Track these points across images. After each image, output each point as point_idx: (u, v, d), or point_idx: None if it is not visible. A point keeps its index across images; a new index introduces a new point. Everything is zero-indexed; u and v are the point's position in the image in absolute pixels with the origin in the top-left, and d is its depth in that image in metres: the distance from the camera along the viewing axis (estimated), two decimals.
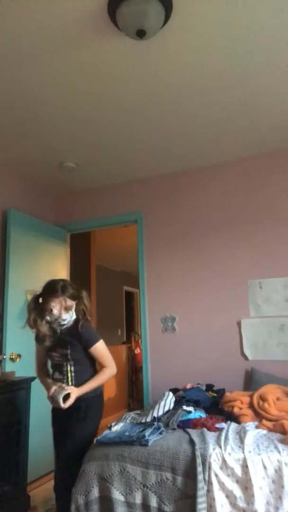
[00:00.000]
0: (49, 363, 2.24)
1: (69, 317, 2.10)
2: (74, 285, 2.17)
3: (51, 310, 2.05)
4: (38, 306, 2.10)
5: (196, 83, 2.49)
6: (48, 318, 2.07)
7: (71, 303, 2.09)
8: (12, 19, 1.94)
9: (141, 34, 1.88)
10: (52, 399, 2.00)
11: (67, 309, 2.08)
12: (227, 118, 2.90)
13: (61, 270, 3.96)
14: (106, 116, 2.84)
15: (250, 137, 3.19)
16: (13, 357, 3.11)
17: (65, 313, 2.08)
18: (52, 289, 2.08)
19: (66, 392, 1.98)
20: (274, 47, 2.19)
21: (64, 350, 2.11)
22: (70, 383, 2.09)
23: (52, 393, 2.00)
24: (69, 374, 2.11)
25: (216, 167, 3.67)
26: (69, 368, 2.11)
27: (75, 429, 2.08)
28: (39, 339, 2.15)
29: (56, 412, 2.13)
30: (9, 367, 3.06)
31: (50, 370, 2.23)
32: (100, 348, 2.14)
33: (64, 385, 2.06)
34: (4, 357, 3.06)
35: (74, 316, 2.14)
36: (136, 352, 6.44)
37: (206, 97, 2.64)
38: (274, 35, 2.10)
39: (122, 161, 3.56)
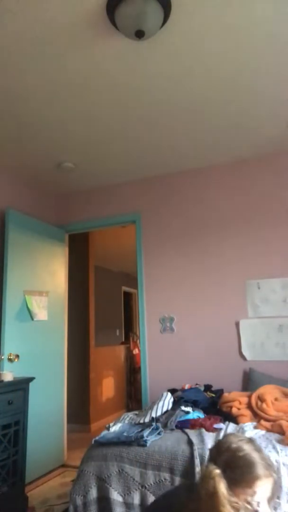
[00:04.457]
0: None
1: None
2: None
3: (258, 504, 1.14)
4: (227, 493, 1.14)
5: (195, 83, 2.49)
6: None
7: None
8: (11, 20, 1.94)
9: (140, 34, 1.88)
10: None
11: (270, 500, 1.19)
12: (227, 118, 2.90)
13: (59, 271, 3.96)
14: (105, 117, 2.84)
15: (248, 137, 3.20)
16: (12, 357, 3.10)
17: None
18: (257, 463, 1.16)
19: None
20: (275, 46, 2.20)
21: None
22: None
23: None
24: None
25: (214, 168, 3.67)
26: None
27: None
28: None
29: None
30: (7, 367, 3.06)
31: None
32: None
33: None
34: (3, 357, 3.05)
35: None
36: (134, 352, 6.44)
37: (205, 97, 2.64)
38: (273, 35, 2.11)
39: (121, 161, 3.56)
